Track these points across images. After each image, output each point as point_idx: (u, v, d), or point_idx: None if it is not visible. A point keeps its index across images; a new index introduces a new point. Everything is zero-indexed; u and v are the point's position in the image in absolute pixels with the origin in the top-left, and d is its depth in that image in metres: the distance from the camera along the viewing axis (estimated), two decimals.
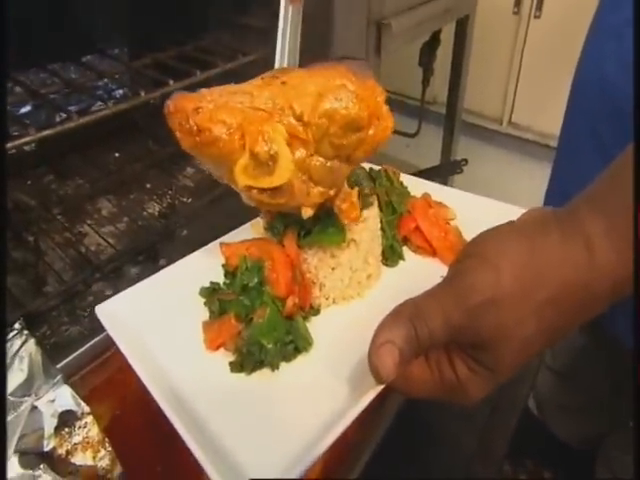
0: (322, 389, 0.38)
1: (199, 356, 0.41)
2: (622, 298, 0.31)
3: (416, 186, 0.56)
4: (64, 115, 0.69)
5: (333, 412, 0.35)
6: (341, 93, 0.37)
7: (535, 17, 1.40)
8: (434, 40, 1.13)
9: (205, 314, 0.44)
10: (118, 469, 0.39)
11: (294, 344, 0.40)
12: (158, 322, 0.43)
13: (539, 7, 1.38)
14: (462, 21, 1.15)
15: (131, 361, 0.39)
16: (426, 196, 0.54)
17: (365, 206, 0.47)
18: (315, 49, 0.75)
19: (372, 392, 0.34)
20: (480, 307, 0.30)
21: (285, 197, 0.38)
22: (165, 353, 0.41)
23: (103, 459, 0.37)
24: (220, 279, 0.47)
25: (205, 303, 0.45)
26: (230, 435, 0.34)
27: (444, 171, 1.17)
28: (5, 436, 0.37)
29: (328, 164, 0.39)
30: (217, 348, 0.42)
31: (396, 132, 1.29)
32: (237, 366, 0.40)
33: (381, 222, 0.50)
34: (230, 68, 0.75)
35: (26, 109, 0.83)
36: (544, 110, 1.47)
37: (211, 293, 0.46)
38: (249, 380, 0.39)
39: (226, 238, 0.51)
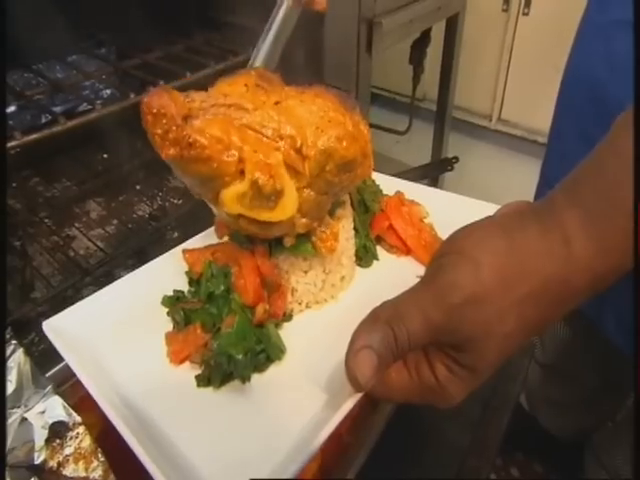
0: (297, 400, 0.36)
1: (162, 370, 0.38)
2: (602, 292, 0.30)
3: (388, 184, 0.54)
4: (49, 116, 0.68)
5: (309, 425, 0.33)
6: (340, 132, 0.36)
7: (524, 14, 1.41)
8: (424, 38, 1.13)
9: (168, 325, 0.42)
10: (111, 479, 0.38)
11: (266, 353, 0.38)
12: (116, 335, 0.41)
13: (527, 4, 1.39)
14: (452, 19, 1.15)
15: (83, 379, 0.35)
16: (399, 194, 0.53)
17: (337, 205, 0.45)
18: (306, 48, 0.75)
19: (350, 401, 0.32)
20: (461, 305, 0.29)
21: (275, 230, 0.37)
22: (124, 368, 0.38)
23: (96, 470, 0.37)
24: (184, 287, 0.44)
25: (168, 313, 0.43)
26: (199, 455, 0.32)
27: (435, 169, 1.17)
28: (5, 440, 0.36)
29: (318, 199, 0.38)
30: (182, 361, 0.39)
31: (387, 129, 1.30)
32: (204, 380, 0.37)
33: (354, 221, 0.48)
34: (221, 69, 0.74)
35: (10, 110, 0.81)
36: (533, 107, 1.48)
37: (174, 302, 0.43)
38: (218, 394, 0.37)
39: (189, 243, 0.48)
